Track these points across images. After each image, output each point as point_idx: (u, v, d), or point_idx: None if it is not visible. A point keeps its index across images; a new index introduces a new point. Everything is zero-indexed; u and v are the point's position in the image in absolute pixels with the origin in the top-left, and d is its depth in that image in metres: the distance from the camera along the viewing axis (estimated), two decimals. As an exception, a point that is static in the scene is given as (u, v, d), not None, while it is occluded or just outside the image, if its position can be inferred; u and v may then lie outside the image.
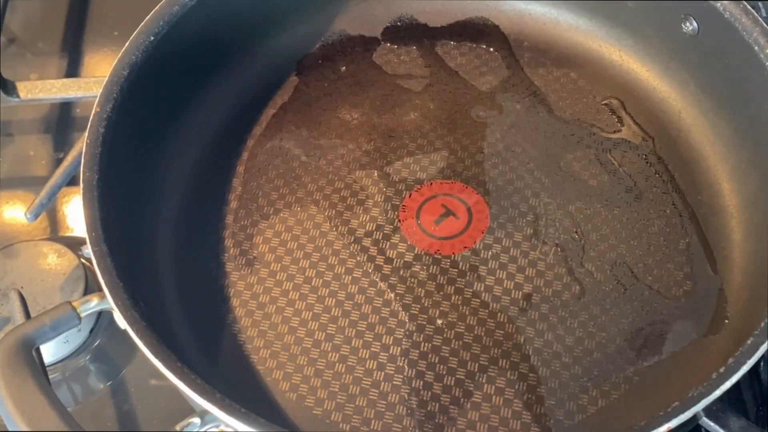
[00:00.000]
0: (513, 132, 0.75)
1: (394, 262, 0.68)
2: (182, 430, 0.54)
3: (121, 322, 0.56)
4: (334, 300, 0.67)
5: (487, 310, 0.66)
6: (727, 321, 0.65)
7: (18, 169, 0.84)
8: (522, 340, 0.65)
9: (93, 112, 0.64)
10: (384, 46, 0.81)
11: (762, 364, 0.69)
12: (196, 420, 0.54)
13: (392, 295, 0.67)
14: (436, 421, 0.62)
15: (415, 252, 0.69)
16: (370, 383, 0.63)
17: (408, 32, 0.82)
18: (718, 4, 0.68)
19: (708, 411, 0.54)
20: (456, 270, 0.68)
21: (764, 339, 0.55)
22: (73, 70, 0.90)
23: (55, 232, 0.79)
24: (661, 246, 0.69)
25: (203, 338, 0.65)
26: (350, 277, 0.68)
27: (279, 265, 0.68)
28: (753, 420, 0.68)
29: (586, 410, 0.62)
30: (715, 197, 0.71)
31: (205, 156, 0.73)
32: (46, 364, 0.66)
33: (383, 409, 0.62)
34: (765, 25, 0.66)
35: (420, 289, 0.67)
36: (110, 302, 0.57)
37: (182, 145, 0.72)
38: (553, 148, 0.74)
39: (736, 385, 0.54)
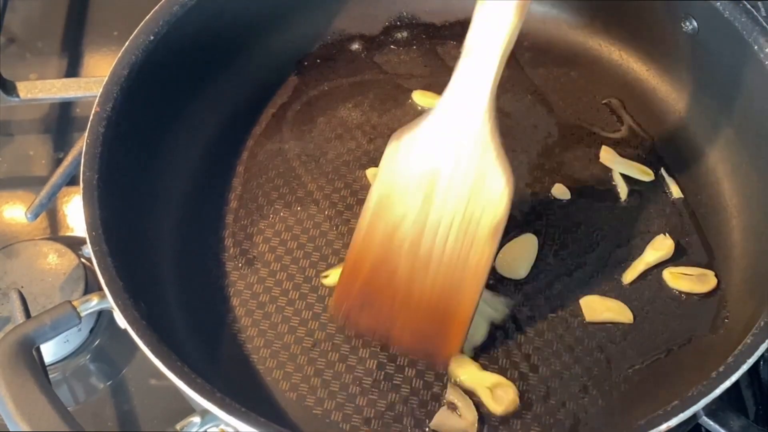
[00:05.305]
0: (513, 132, 0.75)
1: (394, 261, 0.68)
2: (182, 429, 0.54)
3: (121, 321, 0.56)
4: (334, 300, 0.67)
5: (487, 310, 0.66)
6: (726, 320, 0.65)
7: (18, 169, 0.84)
8: (522, 339, 0.65)
9: (93, 112, 0.64)
10: (384, 46, 0.81)
11: (761, 363, 0.69)
12: (196, 419, 0.54)
13: (392, 295, 0.67)
14: (436, 420, 0.62)
15: (415, 252, 0.69)
16: (370, 383, 0.63)
17: (408, 32, 0.82)
18: (718, 4, 0.68)
19: (708, 410, 0.55)
20: (456, 270, 0.68)
21: (764, 338, 0.55)
22: (73, 70, 0.90)
23: (55, 232, 0.79)
24: (661, 245, 0.69)
25: (203, 338, 0.65)
26: (350, 276, 0.68)
27: (279, 264, 0.68)
28: (752, 419, 0.68)
29: (587, 410, 0.62)
30: (715, 197, 0.71)
31: (205, 156, 0.73)
32: (47, 364, 0.66)
33: (383, 409, 0.62)
34: (765, 24, 0.66)
35: (420, 289, 0.67)
36: (110, 302, 0.57)
37: (182, 145, 0.72)
38: (553, 148, 0.74)
39: (736, 384, 0.54)
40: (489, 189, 0.59)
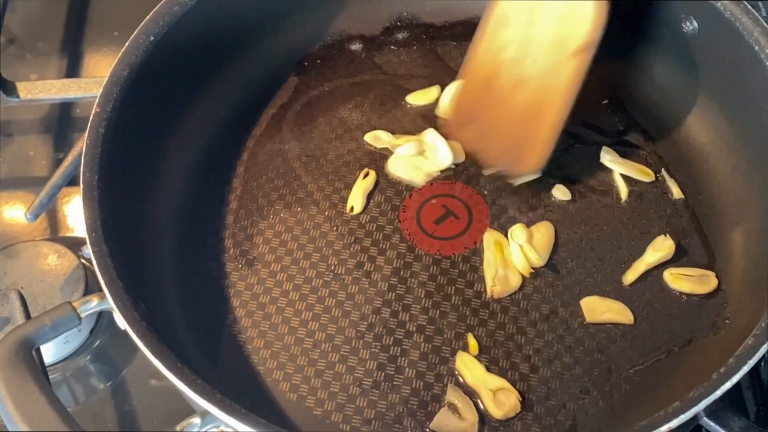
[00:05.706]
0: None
1: (394, 262, 0.68)
2: (182, 430, 0.54)
3: (121, 322, 0.56)
4: (334, 300, 0.67)
5: (487, 311, 0.66)
6: (727, 321, 0.65)
7: (18, 169, 0.84)
8: (523, 340, 0.65)
9: (93, 112, 0.64)
10: (384, 46, 0.81)
11: (762, 364, 0.69)
12: (197, 420, 0.54)
13: (392, 296, 0.67)
14: (437, 421, 0.62)
15: (415, 252, 0.69)
16: (370, 384, 0.63)
17: (408, 32, 0.82)
18: (719, 4, 0.68)
19: (708, 411, 0.54)
20: (456, 270, 0.68)
21: (764, 339, 0.55)
22: (73, 70, 0.90)
23: (55, 233, 0.79)
24: (662, 246, 0.69)
25: (203, 338, 0.65)
26: (350, 277, 0.68)
27: (279, 265, 0.68)
28: (753, 420, 0.68)
29: (587, 410, 0.62)
30: (715, 197, 0.71)
31: (205, 156, 0.73)
32: (47, 365, 0.66)
33: (384, 410, 0.62)
34: (765, 24, 0.66)
35: (420, 290, 0.67)
36: (110, 302, 0.57)
37: (182, 146, 0.72)
38: (553, 148, 0.74)
39: (737, 385, 0.54)
40: (580, 11, 0.65)
